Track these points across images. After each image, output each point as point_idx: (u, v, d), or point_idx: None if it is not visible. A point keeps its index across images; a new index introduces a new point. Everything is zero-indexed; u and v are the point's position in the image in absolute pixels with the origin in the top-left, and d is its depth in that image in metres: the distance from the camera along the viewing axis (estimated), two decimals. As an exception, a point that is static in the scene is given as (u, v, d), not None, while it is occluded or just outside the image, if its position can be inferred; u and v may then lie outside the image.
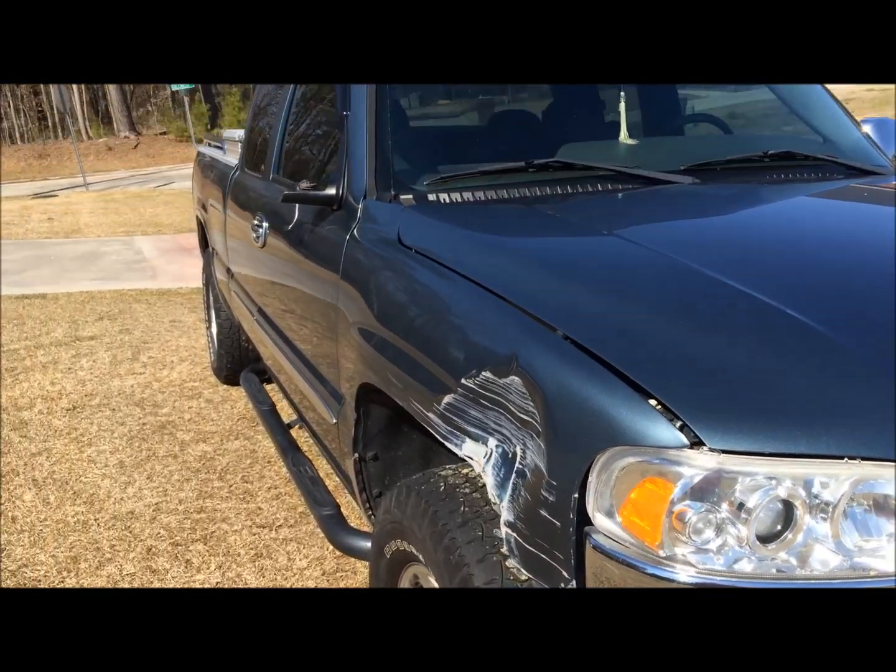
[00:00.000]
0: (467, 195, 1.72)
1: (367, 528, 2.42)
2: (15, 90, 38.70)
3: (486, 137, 2.41)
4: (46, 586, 2.49)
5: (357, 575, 2.49)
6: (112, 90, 29.78)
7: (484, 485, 1.41)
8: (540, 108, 2.78)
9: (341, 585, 2.44)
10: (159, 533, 2.80)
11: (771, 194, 1.70)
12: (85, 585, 2.49)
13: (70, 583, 2.50)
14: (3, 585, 2.51)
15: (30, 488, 3.16)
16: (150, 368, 4.58)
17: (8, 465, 3.37)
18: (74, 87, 34.28)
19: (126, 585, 2.48)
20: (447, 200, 1.71)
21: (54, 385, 4.35)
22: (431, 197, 1.74)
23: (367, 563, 2.50)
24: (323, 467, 3.08)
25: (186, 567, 2.58)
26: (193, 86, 27.38)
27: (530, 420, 1.09)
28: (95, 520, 2.90)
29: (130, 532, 2.81)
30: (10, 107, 39.00)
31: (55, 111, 32.68)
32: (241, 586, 2.45)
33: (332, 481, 3.01)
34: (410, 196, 1.75)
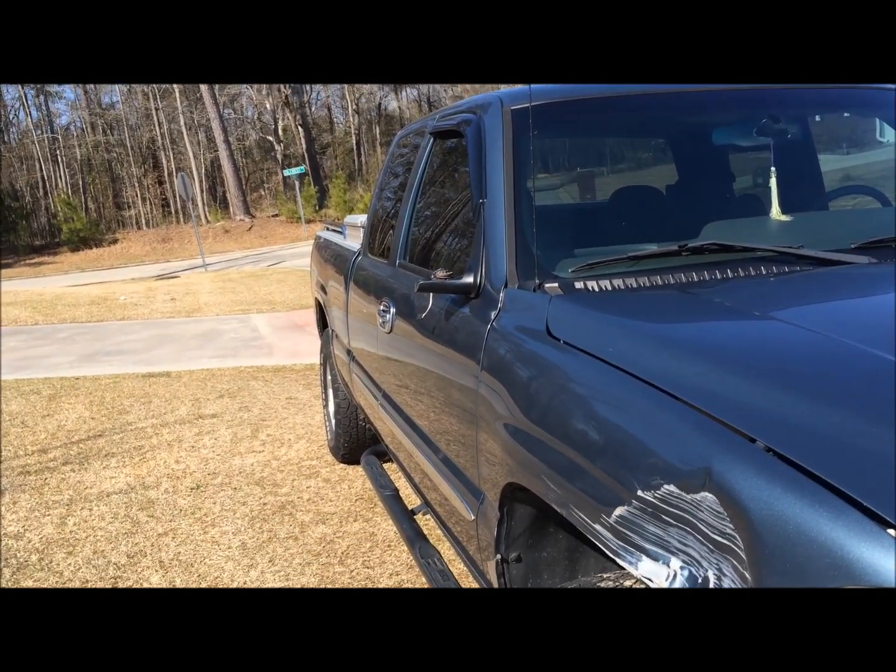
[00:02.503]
0: (617, 282, 1.63)
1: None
2: (142, 181, 42.04)
3: (616, 217, 2.33)
4: None
5: None
6: (229, 177, 31.85)
7: (653, 602, 1.28)
8: (648, 180, 2.69)
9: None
10: (283, 623, 2.75)
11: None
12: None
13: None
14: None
15: (156, 570, 3.20)
16: (269, 447, 4.65)
17: (136, 546, 3.43)
18: (195, 175, 36.94)
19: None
20: (596, 288, 1.63)
21: (179, 463, 4.47)
22: (578, 285, 1.66)
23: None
24: (445, 551, 2.98)
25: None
26: (304, 170, 28.96)
27: (728, 544, 0.96)
28: (220, 606, 2.89)
29: (255, 621, 2.77)
30: (136, 196, 42.34)
31: (178, 199, 35.22)
32: None
33: (457, 566, 2.89)
34: (556, 284, 1.68)
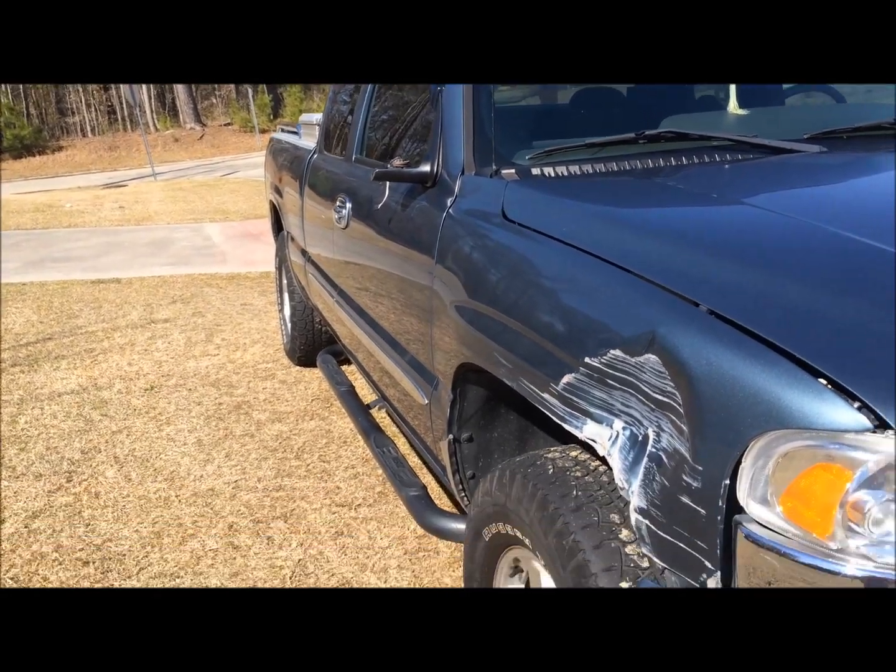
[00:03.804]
0: (574, 168, 1.64)
1: (451, 509, 2.38)
2: (86, 86, 39.93)
3: (577, 114, 2.32)
4: (131, 561, 2.52)
5: (439, 555, 2.45)
6: (179, 83, 30.40)
7: (596, 468, 1.34)
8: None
9: (424, 565, 2.41)
10: (240, 510, 2.81)
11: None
12: (169, 560, 2.51)
13: (154, 557, 2.53)
14: (86, 557, 2.55)
15: (111, 465, 3.22)
16: (224, 350, 4.64)
17: (90, 443, 3.43)
18: (142, 79, 35.10)
19: (210, 561, 2.50)
20: (553, 174, 1.64)
21: (132, 366, 4.43)
22: (535, 171, 1.66)
23: (451, 544, 2.46)
24: (401, 445, 3.05)
25: (268, 544, 2.58)
26: (257, 76, 27.69)
27: (668, 401, 1.01)
28: (177, 496, 2.93)
29: (212, 509, 2.83)
30: (80, 101, 40.26)
31: (124, 105, 33.64)
32: (322, 563, 2.44)
33: (412, 460, 2.98)
34: (513, 171, 1.67)
